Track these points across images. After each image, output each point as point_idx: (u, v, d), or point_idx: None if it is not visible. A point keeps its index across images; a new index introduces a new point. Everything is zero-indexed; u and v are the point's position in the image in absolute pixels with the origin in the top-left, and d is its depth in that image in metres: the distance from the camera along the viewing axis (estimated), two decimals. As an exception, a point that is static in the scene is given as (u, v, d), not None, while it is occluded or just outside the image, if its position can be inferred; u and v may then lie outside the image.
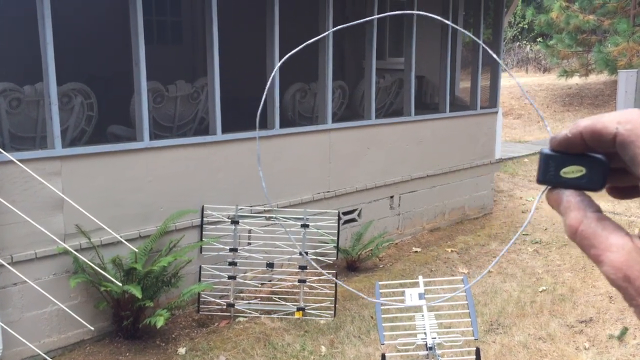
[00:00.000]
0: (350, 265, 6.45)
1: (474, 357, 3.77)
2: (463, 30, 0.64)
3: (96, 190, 4.79)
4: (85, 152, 4.75)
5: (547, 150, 0.51)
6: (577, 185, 0.49)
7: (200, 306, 5.30)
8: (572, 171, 0.49)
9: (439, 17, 0.56)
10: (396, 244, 7.24)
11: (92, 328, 4.57)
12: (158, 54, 7.64)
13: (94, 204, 4.69)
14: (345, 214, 6.71)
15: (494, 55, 0.57)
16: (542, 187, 0.52)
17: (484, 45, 0.70)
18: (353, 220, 6.84)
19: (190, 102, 5.87)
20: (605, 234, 0.46)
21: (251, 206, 5.78)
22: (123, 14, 5.07)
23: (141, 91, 4.97)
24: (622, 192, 0.52)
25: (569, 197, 0.49)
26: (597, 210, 0.48)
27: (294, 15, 7.07)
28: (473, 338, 3.76)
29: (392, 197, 7.25)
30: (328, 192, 6.50)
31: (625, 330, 4.80)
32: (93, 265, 4.37)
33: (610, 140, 0.45)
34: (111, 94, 6.19)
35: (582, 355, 4.63)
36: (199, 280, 5.29)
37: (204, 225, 5.43)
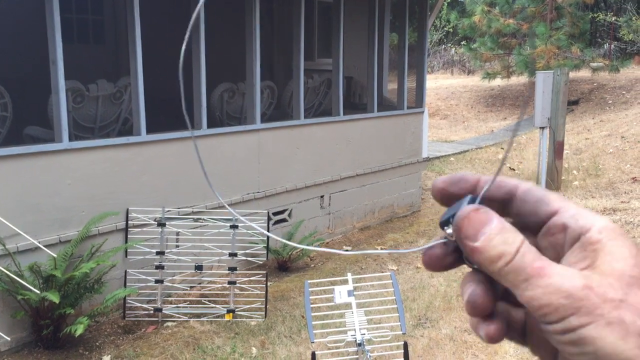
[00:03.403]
0: (281, 265, 6.43)
1: (402, 351, 3.84)
2: None
3: (11, 194, 4.56)
4: (-1, 154, 4.51)
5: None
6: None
7: (126, 312, 5.14)
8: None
9: None
10: (327, 243, 7.28)
11: (9, 339, 4.35)
12: (78, 52, 7.37)
13: (9, 209, 4.46)
14: (275, 214, 6.69)
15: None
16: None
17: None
18: (284, 220, 6.82)
19: (113, 102, 5.69)
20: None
21: (179, 208, 5.66)
22: (40, 10, 4.85)
23: (59, 91, 4.77)
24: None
25: (499, 218, 0.42)
26: None
27: (220, 13, 6.98)
28: (401, 333, 3.82)
29: (322, 196, 7.28)
30: (258, 192, 6.46)
31: (544, 319, 5.01)
32: (9, 273, 4.16)
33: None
34: (28, 94, 5.91)
35: (505, 345, 4.79)
36: (125, 285, 5.13)
37: (129, 229, 5.28)
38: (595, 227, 0.39)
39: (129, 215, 5.27)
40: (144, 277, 5.21)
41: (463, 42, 21.88)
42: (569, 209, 0.42)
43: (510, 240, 0.40)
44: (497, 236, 0.40)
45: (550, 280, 0.38)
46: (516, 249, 0.39)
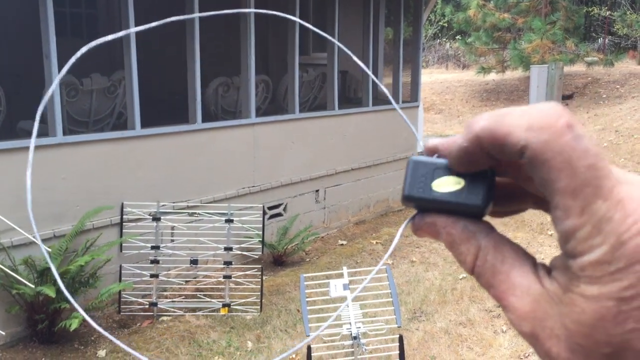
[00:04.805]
0: (277, 259, 6.43)
1: (398, 344, 3.85)
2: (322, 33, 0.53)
3: (5, 188, 4.54)
4: (-7, 148, 4.49)
5: (418, 156, 0.38)
6: (452, 202, 0.36)
7: (121, 306, 5.13)
8: (446, 183, 0.37)
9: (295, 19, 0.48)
10: (322, 237, 7.29)
11: (4, 333, 4.34)
12: (72, 46, 7.33)
13: (3, 203, 4.45)
14: (270, 208, 6.68)
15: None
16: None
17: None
18: (279, 214, 6.82)
19: (107, 95, 5.66)
20: (505, 268, 0.34)
21: (174, 202, 5.65)
22: (33, 4, 4.82)
23: (53, 85, 4.74)
24: (502, 213, 0.40)
25: (447, 228, 0.36)
26: (490, 230, 0.36)
27: (214, 6, 6.95)
28: (396, 326, 3.84)
29: (317, 190, 7.28)
30: (253, 186, 6.45)
31: (539, 312, 5.03)
32: (3, 267, 4.15)
33: (517, 152, 0.32)
34: (21, 88, 5.89)
35: (499, 338, 4.81)
36: (120, 279, 5.12)
37: (123, 223, 5.26)
38: (580, 261, 0.31)
39: (124, 209, 5.26)
40: (139, 271, 5.21)
41: (458, 37, 21.88)
42: (569, 215, 0.31)
43: (465, 259, 0.36)
44: (452, 250, 0.37)
45: (509, 316, 0.34)
46: (471, 268, 0.36)
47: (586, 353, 0.31)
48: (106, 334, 0.39)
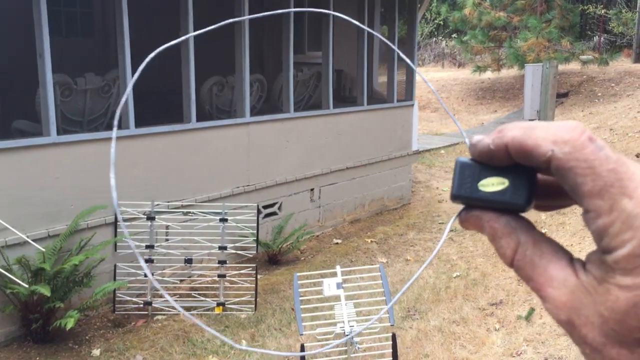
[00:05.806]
0: (272, 258, 6.45)
1: (391, 342, 3.87)
2: (379, 36, 0.55)
3: (-1, 188, 4.54)
4: (-14, 148, 4.49)
5: (464, 158, 0.42)
6: (497, 201, 0.40)
7: (116, 306, 5.14)
8: (491, 184, 0.40)
9: (356, 22, 0.50)
10: (317, 236, 7.30)
11: (-2, 333, 4.34)
12: (66, 46, 7.33)
13: (-3, 203, 4.45)
14: (265, 207, 6.70)
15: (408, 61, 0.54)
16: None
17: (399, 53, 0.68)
18: (274, 213, 6.83)
19: (102, 95, 5.66)
20: (543, 263, 0.38)
21: (168, 202, 5.65)
22: (27, 3, 4.82)
23: (46, 84, 4.75)
24: (546, 207, 0.44)
25: (491, 222, 0.40)
26: (530, 228, 0.39)
27: (208, 5, 6.95)
28: (390, 324, 3.85)
29: (312, 189, 7.30)
30: (248, 185, 6.46)
31: (532, 311, 5.06)
32: (-3, 267, 4.15)
33: (544, 162, 0.37)
34: (15, 87, 5.88)
35: (492, 336, 4.84)
36: (114, 279, 5.13)
37: (118, 222, 5.27)
38: (614, 255, 0.34)
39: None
40: (134, 270, 5.21)
41: (454, 35, 21.91)
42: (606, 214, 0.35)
43: (505, 252, 0.39)
44: (493, 243, 0.40)
45: (547, 306, 0.38)
46: (510, 261, 0.39)
47: (619, 338, 0.35)
48: (198, 322, 0.41)
